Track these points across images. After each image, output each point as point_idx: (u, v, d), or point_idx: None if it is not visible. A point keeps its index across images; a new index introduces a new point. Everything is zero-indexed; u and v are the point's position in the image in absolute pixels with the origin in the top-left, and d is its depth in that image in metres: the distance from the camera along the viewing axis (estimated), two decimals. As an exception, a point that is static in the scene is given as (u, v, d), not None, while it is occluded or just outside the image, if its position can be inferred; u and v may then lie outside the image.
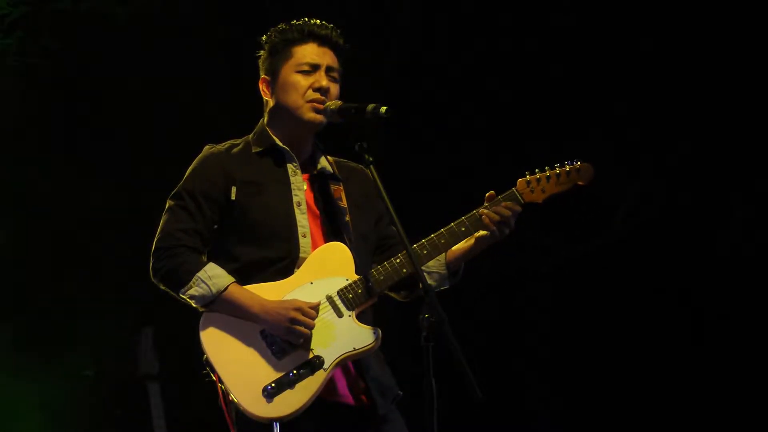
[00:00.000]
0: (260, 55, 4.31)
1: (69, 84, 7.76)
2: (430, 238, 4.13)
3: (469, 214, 4.17)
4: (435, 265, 4.28)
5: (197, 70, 7.81)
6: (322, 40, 4.24)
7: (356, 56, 4.33)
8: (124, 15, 7.67)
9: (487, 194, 4.21)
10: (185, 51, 7.80)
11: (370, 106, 3.99)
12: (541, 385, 8.50)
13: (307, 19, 4.28)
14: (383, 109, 3.96)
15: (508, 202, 4.17)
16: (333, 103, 4.16)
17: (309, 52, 4.23)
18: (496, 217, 4.15)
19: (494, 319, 8.43)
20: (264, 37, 4.31)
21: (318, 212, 4.22)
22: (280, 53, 4.24)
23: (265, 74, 4.28)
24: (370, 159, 3.94)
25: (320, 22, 4.28)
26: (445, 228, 4.16)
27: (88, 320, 7.80)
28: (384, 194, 3.88)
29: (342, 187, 4.28)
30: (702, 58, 7.87)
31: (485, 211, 4.16)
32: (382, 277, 4.13)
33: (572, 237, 8.40)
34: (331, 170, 4.29)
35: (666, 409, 8.16)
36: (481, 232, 4.20)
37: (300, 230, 4.14)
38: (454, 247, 4.22)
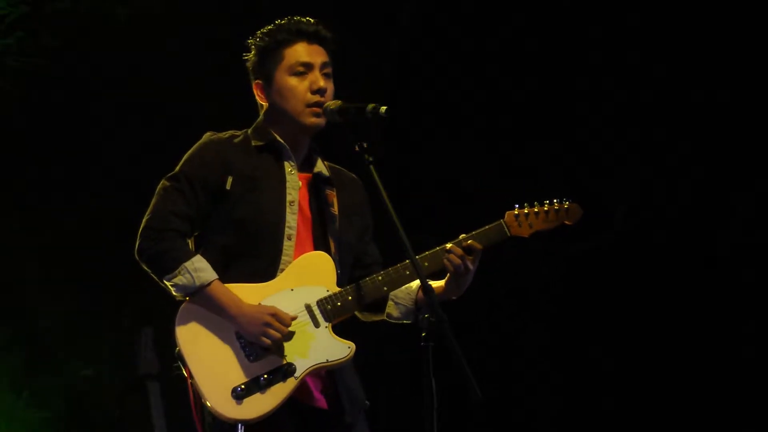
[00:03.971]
0: (248, 58, 4.25)
1: (69, 84, 7.76)
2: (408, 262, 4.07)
3: (455, 240, 4.17)
4: (404, 297, 4.29)
5: (197, 70, 7.81)
6: (311, 37, 4.19)
7: (357, 55, 4.31)
8: (124, 15, 7.66)
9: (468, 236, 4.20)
10: (185, 51, 7.80)
11: (370, 106, 3.96)
12: (541, 385, 8.49)
13: (292, 18, 4.23)
14: (383, 108, 3.94)
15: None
16: (333, 103, 4.13)
17: (300, 52, 4.17)
18: (457, 260, 4.14)
19: (494, 319, 8.43)
20: (251, 40, 4.25)
21: (309, 214, 4.20)
22: (271, 56, 4.19)
23: (258, 78, 4.22)
24: (370, 159, 3.91)
25: (306, 19, 4.22)
26: (430, 251, 4.15)
27: (87, 320, 7.80)
28: (384, 195, 3.87)
29: (335, 193, 4.26)
30: (702, 57, 7.87)
31: (456, 250, 4.14)
32: (362, 293, 4.12)
33: (572, 236, 8.39)
34: (327, 174, 4.28)
35: (666, 410, 8.16)
36: (442, 283, 4.20)
37: (287, 232, 4.11)
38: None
